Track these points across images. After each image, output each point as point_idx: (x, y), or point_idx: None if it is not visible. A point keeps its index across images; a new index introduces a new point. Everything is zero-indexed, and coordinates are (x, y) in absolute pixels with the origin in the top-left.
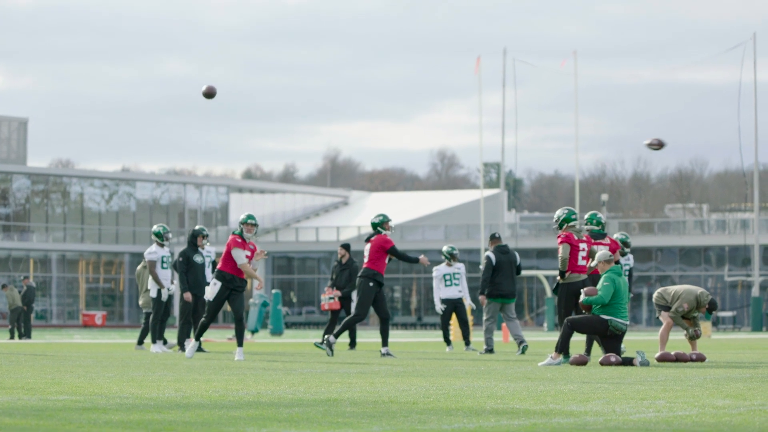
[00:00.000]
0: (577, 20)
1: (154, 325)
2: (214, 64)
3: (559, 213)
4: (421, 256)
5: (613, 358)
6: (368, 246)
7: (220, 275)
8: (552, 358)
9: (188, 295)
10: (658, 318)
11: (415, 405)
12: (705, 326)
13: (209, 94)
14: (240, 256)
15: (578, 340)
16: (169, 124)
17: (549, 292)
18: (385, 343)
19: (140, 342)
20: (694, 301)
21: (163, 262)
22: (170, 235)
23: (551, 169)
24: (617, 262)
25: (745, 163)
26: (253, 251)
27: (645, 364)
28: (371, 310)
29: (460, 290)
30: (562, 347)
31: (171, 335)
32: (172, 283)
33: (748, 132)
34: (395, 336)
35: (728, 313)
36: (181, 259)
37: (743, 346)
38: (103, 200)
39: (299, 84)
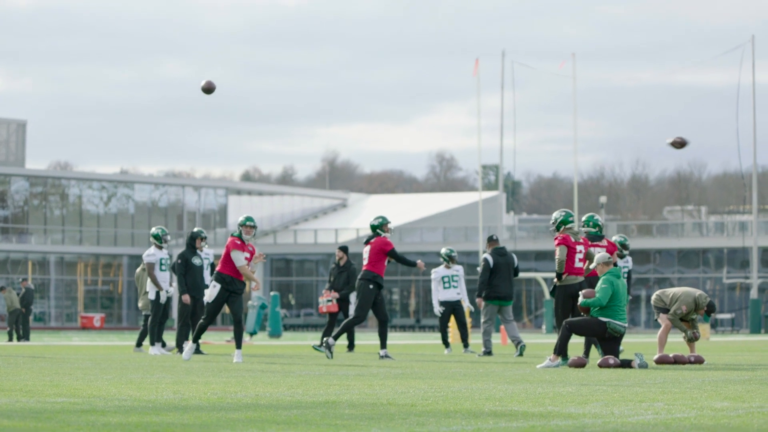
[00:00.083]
0: (576, 22)
1: (153, 327)
2: (213, 66)
3: (556, 215)
4: (419, 261)
5: (611, 360)
6: (368, 248)
7: (219, 277)
8: (550, 361)
9: (186, 298)
10: (656, 320)
11: (414, 407)
12: (703, 328)
13: (208, 89)
14: (239, 258)
15: (577, 342)
16: (167, 126)
17: (547, 294)
18: (383, 345)
19: (139, 344)
20: (693, 304)
21: (161, 264)
22: (169, 238)
23: (550, 172)
24: (615, 264)
25: (743, 165)
26: (252, 253)
27: (643, 366)
28: (370, 312)
29: (459, 292)
30: (561, 349)
31: (169, 337)
32: (170, 285)
33: (747, 134)
34: (394, 338)
35: (727, 316)
36: (179, 261)
37: (742, 348)
38: (101, 202)
39: (298, 86)
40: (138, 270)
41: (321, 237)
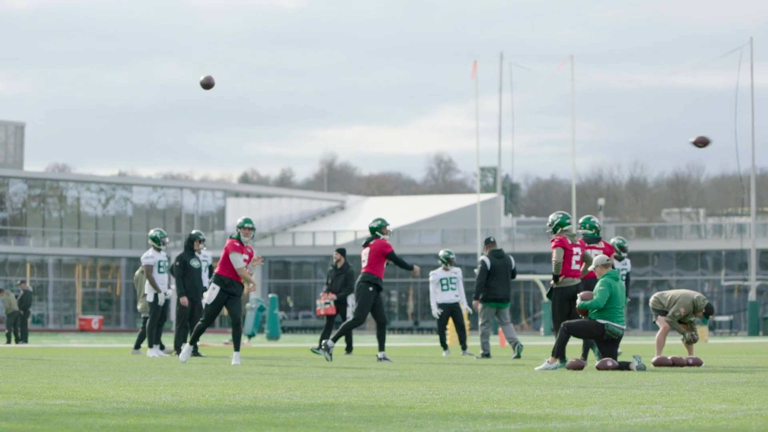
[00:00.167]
0: (574, 24)
1: (151, 329)
2: (212, 68)
3: (553, 217)
4: (415, 267)
5: (609, 362)
6: (366, 250)
7: (218, 279)
8: (549, 363)
9: (185, 300)
10: (654, 322)
11: (412, 409)
12: (702, 331)
13: (207, 84)
14: (238, 260)
15: (575, 344)
16: (166, 128)
17: (546, 297)
18: (381, 347)
19: (137, 346)
20: (691, 306)
21: (160, 266)
22: (167, 240)
23: (548, 174)
24: (612, 267)
25: (741, 167)
26: (250, 255)
27: (641, 368)
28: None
29: (457, 295)
30: (559, 352)
31: (168, 340)
32: (169, 287)
33: (745, 136)
34: (392, 340)
35: (725, 318)
36: (178, 263)
37: (740, 350)
38: (99, 204)
39: (296, 88)
40: (137, 272)
41: (319, 239)
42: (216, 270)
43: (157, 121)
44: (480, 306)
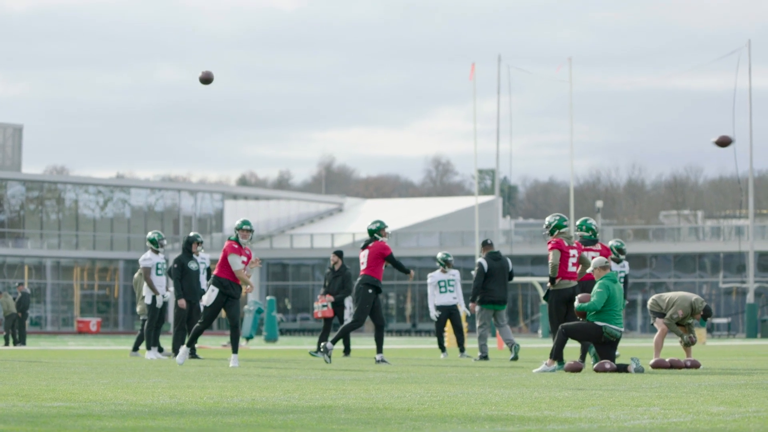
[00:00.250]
0: (572, 27)
1: (149, 331)
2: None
3: (550, 219)
4: (411, 271)
5: (607, 364)
6: (365, 253)
7: (217, 281)
8: (546, 365)
9: (182, 302)
10: (652, 325)
11: (410, 412)
12: (700, 333)
13: (206, 79)
14: (236, 261)
15: (573, 346)
16: (163, 130)
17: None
18: (379, 349)
19: (135, 348)
20: (689, 308)
21: (158, 268)
22: (165, 242)
23: (546, 176)
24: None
25: (740, 169)
26: (248, 257)
27: (639, 370)
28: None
29: (455, 297)
30: (557, 354)
31: (166, 342)
32: (167, 289)
33: (743, 139)
34: (390, 343)
35: (723, 320)
36: (175, 265)
37: (738, 352)
38: (97, 207)
39: (294, 91)
40: (136, 275)
41: (317, 241)
42: (215, 272)
43: (155, 123)
44: (477, 308)
